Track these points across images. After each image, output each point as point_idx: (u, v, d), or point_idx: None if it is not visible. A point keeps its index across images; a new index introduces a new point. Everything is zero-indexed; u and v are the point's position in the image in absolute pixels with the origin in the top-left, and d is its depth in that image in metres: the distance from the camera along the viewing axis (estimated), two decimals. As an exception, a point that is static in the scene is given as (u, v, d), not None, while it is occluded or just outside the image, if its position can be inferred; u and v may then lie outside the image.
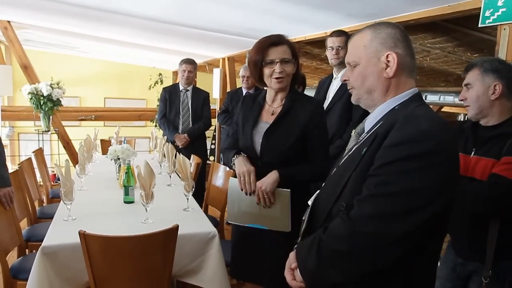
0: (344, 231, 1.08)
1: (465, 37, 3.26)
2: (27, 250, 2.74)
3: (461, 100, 1.79)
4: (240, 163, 1.97)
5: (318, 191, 1.36)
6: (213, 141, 6.38)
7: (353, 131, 1.33)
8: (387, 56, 1.18)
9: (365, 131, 1.26)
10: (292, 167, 1.95)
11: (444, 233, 1.18)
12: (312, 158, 1.98)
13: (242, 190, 1.97)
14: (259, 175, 1.95)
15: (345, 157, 1.28)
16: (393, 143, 1.06)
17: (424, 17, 2.61)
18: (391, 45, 1.18)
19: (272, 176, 1.92)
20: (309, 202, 1.36)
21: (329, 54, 2.95)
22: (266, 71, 1.93)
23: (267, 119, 2.03)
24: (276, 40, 1.93)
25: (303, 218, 1.36)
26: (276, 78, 1.92)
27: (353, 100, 1.31)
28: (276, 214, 1.94)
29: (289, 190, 1.90)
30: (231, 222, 2.11)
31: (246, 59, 5.44)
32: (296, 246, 1.30)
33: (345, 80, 1.31)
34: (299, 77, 2.10)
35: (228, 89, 5.99)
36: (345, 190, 1.18)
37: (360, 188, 1.10)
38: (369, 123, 1.26)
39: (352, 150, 1.25)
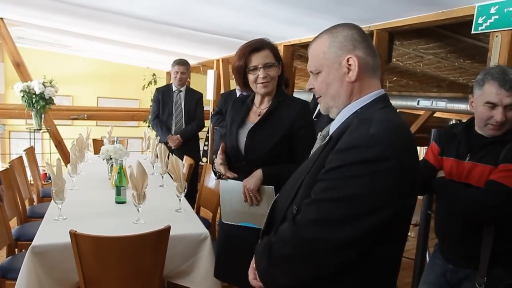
0: (289, 235, 1.07)
1: (458, 43, 3.28)
2: (16, 250, 2.72)
3: (501, 121, 1.64)
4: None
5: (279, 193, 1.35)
6: (206, 143, 6.37)
7: (319, 134, 1.31)
8: (347, 60, 1.14)
9: (330, 134, 1.23)
10: (277, 166, 1.97)
11: (402, 240, 1.14)
12: (298, 158, 1.97)
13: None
14: (245, 174, 1.99)
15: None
16: (342, 148, 1.04)
17: (418, 22, 2.63)
18: (350, 48, 1.15)
19: (256, 175, 1.96)
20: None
21: None
22: (250, 77, 1.96)
23: (253, 119, 2.05)
24: (257, 46, 1.94)
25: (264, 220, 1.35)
26: (261, 83, 1.95)
27: (322, 110, 1.26)
28: (264, 211, 1.94)
29: (272, 187, 1.93)
30: (225, 222, 2.12)
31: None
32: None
33: (311, 89, 1.26)
34: (285, 78, 2.10)
35: (222, 91, 5.99)
36: (298, 193, 1.16)
37: (310, 192, 1.08)
38: (333, 126, 1.23)
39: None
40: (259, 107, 2.07)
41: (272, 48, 1.97)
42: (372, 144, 1.00)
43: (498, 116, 1.64)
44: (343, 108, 1.19)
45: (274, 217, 1.29)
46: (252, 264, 1.27)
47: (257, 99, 2.08)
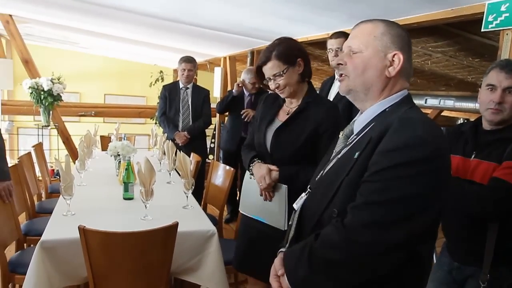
0: (338, 239, 1.05)
1: (467, 41, 3.26)
2: (25, 245, 2.74)
3: (499, 103, 1.68)
4: (257, 169, 2.04)
5: (304, 195, 1.32)
6: (213, 140, 6.37)
7: (341, 133, 1.30)
8: (394, 55, 1.14)
9: (354, 133, 1.22)
10: (296, 166, 1.97)
11: (435, 237, 1.15)
12: (319, 161, 1.98)
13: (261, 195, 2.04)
14: None
15: (334, 161, 1.24)
16: (389, 149, 1.03)
17: (427, 20, 2.62)
18: (399, 46, 1.15)
19: (273, 175, 1.98)
20: (295, 206, 1.32)
21: (329, 56, 2.96)
22: (270, 86, 2.03)
23: (282, 118, 2.07)
24: (263, 60, 1.98)
25: (290, 223, 1.33)
26: (278, 92, 2.01)
27: (342, 90, 1.23)
28: (275, 209, 2.00)
29: (286, 186, 1.95)
30: (241, 211, 2.20)
31: (248, 58, 5.46)
32: (283, 252, 1.26)
33: (339, 64, 1.23)
34: (308, 74, 2.07)
35: (229, 88, 5.99)
36: (336, 196, 1.13)
37: (353, 194, 1.07)
38: (358, 124, 1.22)
39: (342, 154, 1.22)
40: (289, 106, 2.09)
41: (280, 55, 1.94)
42: (421, 145, 1.01)
43: (496, 97, 1.68)
44: (369, 101, 1.19)
45: (303, 221, 1.26)
46: (275, 271, 1.23)
47: (287, 98, 2.11)
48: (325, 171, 1.26)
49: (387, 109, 1.16)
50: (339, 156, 1.22)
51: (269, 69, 1.96)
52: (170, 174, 3.22)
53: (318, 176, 1.29)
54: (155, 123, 6.32)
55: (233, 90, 4.40)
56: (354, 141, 1.19)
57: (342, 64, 1.22)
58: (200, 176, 4.02)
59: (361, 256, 1.02)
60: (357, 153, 1.11)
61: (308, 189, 1.31)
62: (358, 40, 1.19)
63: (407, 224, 1.00)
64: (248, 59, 5.46)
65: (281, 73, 1.95)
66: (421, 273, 1.14)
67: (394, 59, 1.15)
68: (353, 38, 1.21)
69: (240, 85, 4.32)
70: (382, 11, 2.79)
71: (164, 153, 3.48)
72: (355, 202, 1.06)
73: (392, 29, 1.17)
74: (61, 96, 5.35)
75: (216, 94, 6.12)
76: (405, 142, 1.02)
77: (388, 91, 1.17)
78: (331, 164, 1.24)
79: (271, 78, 1.97)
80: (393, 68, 1.15)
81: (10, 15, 5.39)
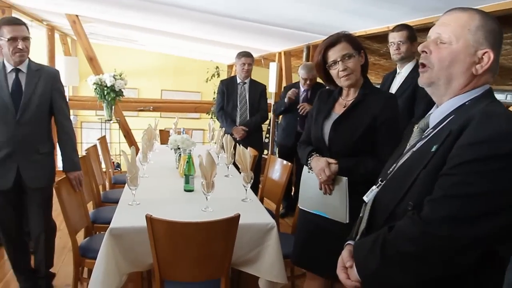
0: (414, 232, 1.03)
1: (539, 32, 3.08)
2: (92, 232, 2.89)
3: None
4: (316, 162, 2.04)
5: (375, 187, 1.30)
6: (267, 135, 6.40)
7: (416, 126, 1.27)
8: (484, 53, 1.08)
9: (430, 126, 1.19)
10: (355, 158, 1.97)
11: None
12: (378, 152, 1.96)
13: (321, 189, 2.05)
14: None
15: (409, 154, 1.21)
16: (471, 142, 1.00)
17: (495, 10, 2.49)
18: (491, 43, 1.09)
19: (332, 168, 1.98)
20: (365, 198, 1.31)
21: (391, 49, 2.90)
22: (333, 72, 1.99)
23: (338, 111, 2.07)
24: (333, 41, 1.97)
25: (361, 215, 1.32)
26: (343, 77, 1.96)
27: (423, 81, 1.18)
28: (336, 202, 1.99)
29: (346, 178, 1.95)
30: (300, 207, 2.21)
31: (303, 53, 5.43)
32: (350, 244, 1.26)
33: (423, 51, 1.16)
34: (366, 69, 2.07)
35: (284, 84, 6.00)
36: (412, 188, 1.11)
37: (430, 188, 1.04)
38: (435, 118, 1.18)
39: (417, 147, 1.18)
40: (345, 99, 2.08)
41: (350, 39, 1.97)
42: (506, 139, 0.97)
43: None
44: (449, 96, 1.15)
45: (375, 213, 1.25)
46: (343, 263, 1.23)
47: (344, 91, 2.10)
48: (399, 164, 1.23)
49: (466, 103, 1.12)
50: (414, 149, 1.20)
51: (339, 50, 1.94)
52: (228, 167, 3.28)
53: (391, 169, 1.26)
54: (211, 118, 6.45)
55: (285, 100, 4.31)
56: (431, 134, 1.16)
57: (426, 52, 1.16)
58: (257, 170, 4.06)
59: (437, 250, 1.00)
60: (435, 146, 1.08)
61: (379, 182, 1.29)
62: (450, 29, 1.12)
63: (486, 220, 0.96)
64: (304, 54, 5.43)
65: (353, 54, 1.94)
66: (499, 275, 1.10)
67: (483, 57, 1.09)
68: (444, 26, 1.14)
69: (292, 97, 4.26)
70: (446, 2, 2.67)
71: (222, 147, 3.54)
72: (432, 195, 1.03)
73: (488, 23, 1.09)
74: (122, 92, 5.57)
75: (271, 89, 6.14)
76: (489, 136, 0.98)
77: (470, 87, 1.13)
78: (405, 157, 1.22)
79: (339, 60, 1.94)
80: (481, 66, 1.09)
81: (77, 16, 5.68)
